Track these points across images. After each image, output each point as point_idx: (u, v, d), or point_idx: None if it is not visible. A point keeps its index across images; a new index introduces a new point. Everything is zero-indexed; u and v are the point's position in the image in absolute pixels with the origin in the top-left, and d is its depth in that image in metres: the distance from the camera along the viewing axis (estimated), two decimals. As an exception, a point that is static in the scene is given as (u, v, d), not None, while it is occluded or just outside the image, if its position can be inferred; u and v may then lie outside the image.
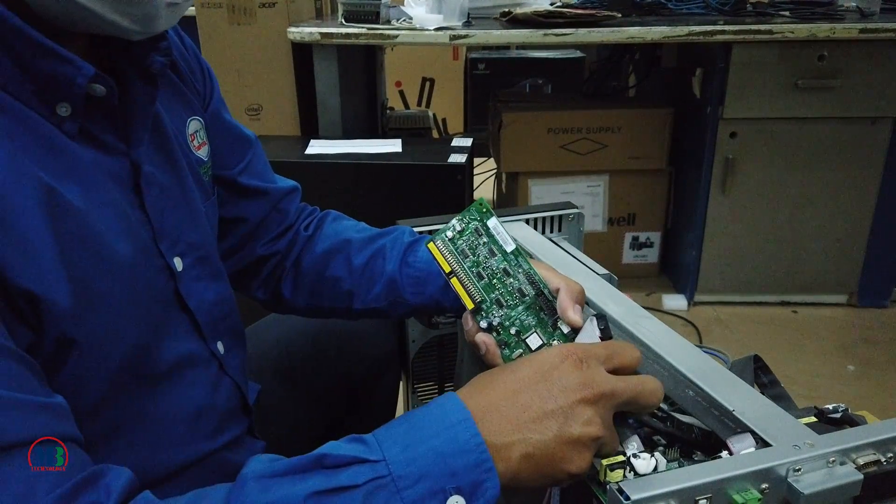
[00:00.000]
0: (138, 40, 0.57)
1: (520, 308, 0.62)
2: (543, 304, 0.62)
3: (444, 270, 0.64)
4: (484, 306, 0.63)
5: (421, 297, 0.78)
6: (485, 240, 0.64)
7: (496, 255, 0.63)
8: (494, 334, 0.62)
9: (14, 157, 0.48)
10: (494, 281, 0.63)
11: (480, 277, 0.63)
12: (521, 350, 0.61)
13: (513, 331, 0.62)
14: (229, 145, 0.81)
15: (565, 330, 0.61)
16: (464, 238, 0.64)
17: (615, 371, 0.51)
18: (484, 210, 0.64)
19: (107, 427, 0.57)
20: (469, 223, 0.64)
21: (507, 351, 0.62)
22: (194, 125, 0.73)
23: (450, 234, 0.64)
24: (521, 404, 0.48)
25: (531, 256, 0.75)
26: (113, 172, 0.58)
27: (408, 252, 0.79)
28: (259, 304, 0.89)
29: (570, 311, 0.60)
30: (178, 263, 0.64)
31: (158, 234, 0.61)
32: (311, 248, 0.84)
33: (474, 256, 0.64)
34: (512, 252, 0.63)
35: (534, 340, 0.61)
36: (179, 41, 0.74)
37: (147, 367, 0.59)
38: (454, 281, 0.63)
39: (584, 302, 0.64)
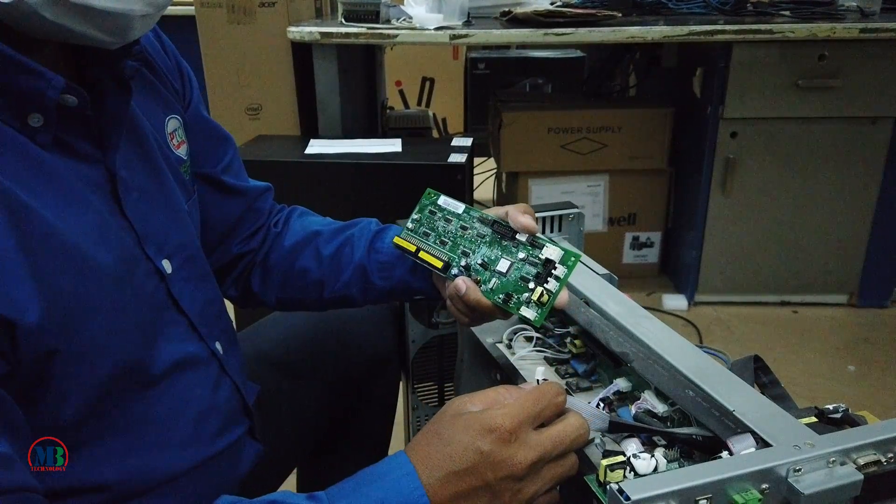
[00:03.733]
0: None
1: (483, 248, 0.68)
2: (501, 231, 0.68)
3: (410, 252, 0.71)
4: (452, 262, 0.69)
5: (390, 280, 0.79)
6: (439, 215, 0.72)
7: (452, 221, 0.71)
8: (468, 276, 0.68)
9: None
10: (457, 240, 0.70)
11: (444, 244, 0.71)
12: (495, 279, 0.66)
13: (479, 261, 0.68)
14: (211, 143, 0.81)
15: (523, 238, 0.66)
16: (423, 223, 0.72)
17: (547, 420, 0.53)
18: (432, 195, 0.73)
19: (103, 430, 0.57)
20: (423, 210, 0.73)
21: (483, 287, 0.67)
22: (173, 124, 0.72)
23: (410, 225, 0.73)
24: (453, 472, 0.50)
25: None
26: (90, 180, 0.57)
27: (375, 239, 0.80)
28: (231, 302, 0.90)
29: (521, 218, 0.66)
30: (166, 265, 0.63)
31: (143, 238, 0.61)
32: (279, 243, 0.85)
33: (435, 232, 0.71)
34: (463, 211, 0.71)
35: (502, 265, 0.66)
36: (158, 42, 0.73)
37: (142, 371, 0.59)
38: (421, 254, 0.71)
39: (532, 212, 0.69)
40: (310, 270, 0.82)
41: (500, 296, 0.65)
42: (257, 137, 1.96)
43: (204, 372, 0.67)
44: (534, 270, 0.64)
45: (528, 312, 0.63)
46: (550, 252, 0.63)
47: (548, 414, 0.53)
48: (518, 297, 0.64)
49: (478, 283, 0.67)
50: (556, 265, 0.63)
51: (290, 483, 1.00)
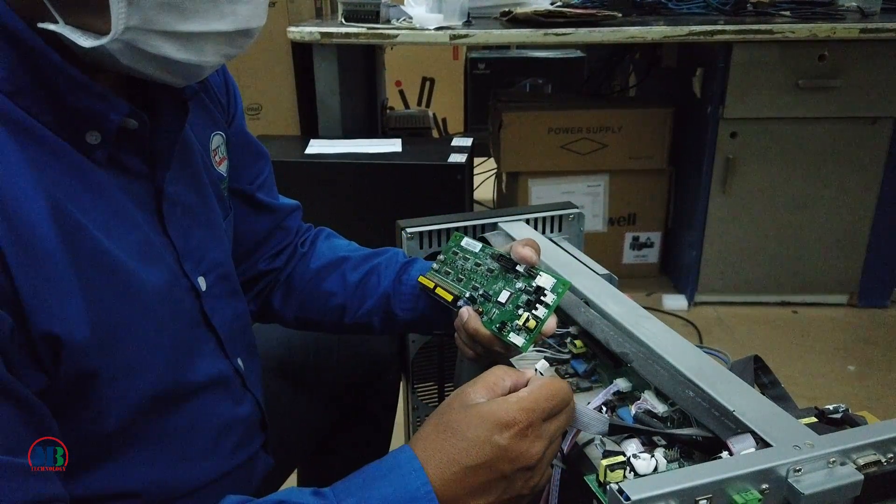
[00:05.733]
0: None
1: (490, 282, 0.72)
2: (506, 265, 0.71)
3: (429, 287, 0.75)
4: (462, 296, 0.72)
5: (412, 313, 0.80)
6: (461, 254, 0.75)
7: (469, 259, 0.74)
8: (473, 307, 0.70)
9: (40, 188, 0.48)
10: (471, 276, 0.73)
11: (460, 281, 0.74)
12: (495, 309, 0.69)
13: (480, 292, 0.71)
14: (249, 159, 0.81)
15: (522, 269, 0.69)
16: (446, 263, 0.76)
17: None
18: (458, 237, 0.77)
19: (134, 441, 0.57)
20: (448, 251, 0.76)
21: (484, 318, 0.69)
22: (217, 140, 0.73)
23: (436, 266, 0.77)
24: (469, 467, 0.49)
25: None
26: (136, 197, 0.58)
27: (402, 272, 0.81)
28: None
29: (520, 249, 0.69)
30: (202, 283, 0.64)
31: (182, 255, 0.61)
32: (305, 264, 0.86)
33: (454, 271, 0.75)
34: (479, 249, 0.75)
35: (503, 296, 0.69)
36: None
37: (176, 389, 0.60)
38: (437, 290, 0.74)
39: (534, 245, 0.71)
40: (334, 294, 0.83)
41: (497, 325, 0.67)
42: (257, 137, 1.96)
43: (228, 388, 0.68)
44: (527, 298, 0.67)
45: (517, 339, 0.65)
46: (543, 280, 0.67)
47: (560, 408, 0.53)
48: (511, 325, 0.66)
49: (481, 313, 0.69)
50: (546, 292, 0.65)
51: (291, 482, 1.00)
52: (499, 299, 0.68)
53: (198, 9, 0.49)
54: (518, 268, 0.69)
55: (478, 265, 0.73)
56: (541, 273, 0.67)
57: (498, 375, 0.54)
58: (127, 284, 0.54)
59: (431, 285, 0.75)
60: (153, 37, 0.49)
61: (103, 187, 0.54)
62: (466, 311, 0.69)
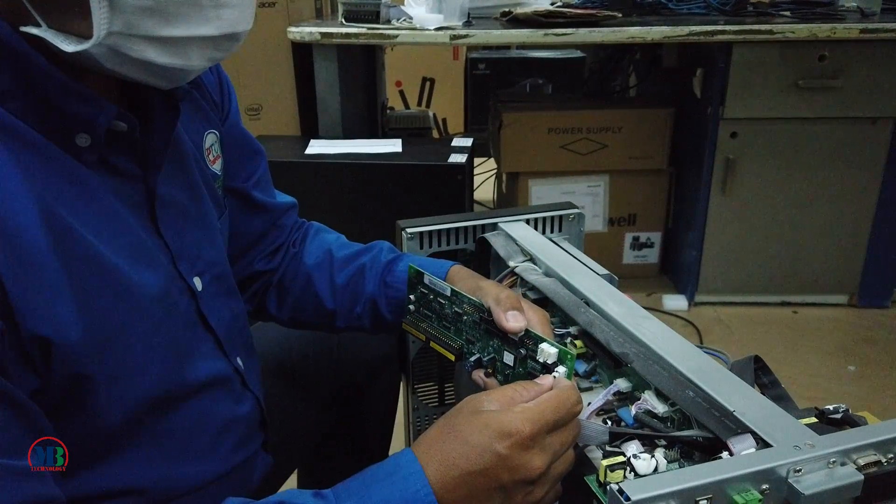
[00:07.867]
0: None
1: (484, 338, 0.66)
2: (491, 325, 0.65)
3: (421, 340, 0.71)
4: (464, 350, 0.68)
5: (401, 314, 0.79)
6: (432, 296, 0.70)
7: (445, 303, 0.69)
8: (483, 371, 0.66)
9: (31, 192, 0.48)
10: (458, 325, 0.68)
11: (448, 328, 0.69)
12: (508, 370, 0.65)
13: (486, 358, 0.66)
14: (244, 157, 0.81)
15: (515, 338, 0.63)
16: (420, 303, 0.72)
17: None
18: (415, 274, 0.72)
19: (128, 444, 0.57)
20: (415, 290, 0.72)
21: (499, 376, 0.66)
22: (210, 139, 0.72)
23: (412, 308, 0.73)
24: (468, 472, 0.49)
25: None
26: (128, 198, 0.57)
27: (386, 272, 0.80)
28: None
29: (505, 323, 0.62)
30: (197, 283, 0.64)
31: (177, 256, 0.61)
32: (296, 265, 0.85)
33: (434, 314, 0.71)
34: (451, 294, 0.68)
35: (508, 358, 0.64)
36: None
37: (175, 389, 0.59)
38: (433, 345, 0.70)
39: (517, 305, 0.64)
40: (324, 300, 0.82)
41: None
42: (257, 137, 1.96)
43: (228, 387, 0.68)
44: (539, 367, 0.62)
45: None
46: (546, 355, 0.60)
47: (565, 422, 0.53)
48: None
49: (490, 373, 0.66)
50: (557, 368, 0.60)
51: (291, 483, 1.00)
52: (505, 361, 0.65)
53: (182, 13, 0.49)
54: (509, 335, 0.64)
55: (458, 314, 0.68)
56: (540, 345, 0.61)
57: (517, 391, 0.54)
58: (120, 287, 0.53)
59: (423, 337, 0.72)
60: (136, 41, 0.48)
61: (94, 189, 0.53)
62: (481, 380, 0.66)
